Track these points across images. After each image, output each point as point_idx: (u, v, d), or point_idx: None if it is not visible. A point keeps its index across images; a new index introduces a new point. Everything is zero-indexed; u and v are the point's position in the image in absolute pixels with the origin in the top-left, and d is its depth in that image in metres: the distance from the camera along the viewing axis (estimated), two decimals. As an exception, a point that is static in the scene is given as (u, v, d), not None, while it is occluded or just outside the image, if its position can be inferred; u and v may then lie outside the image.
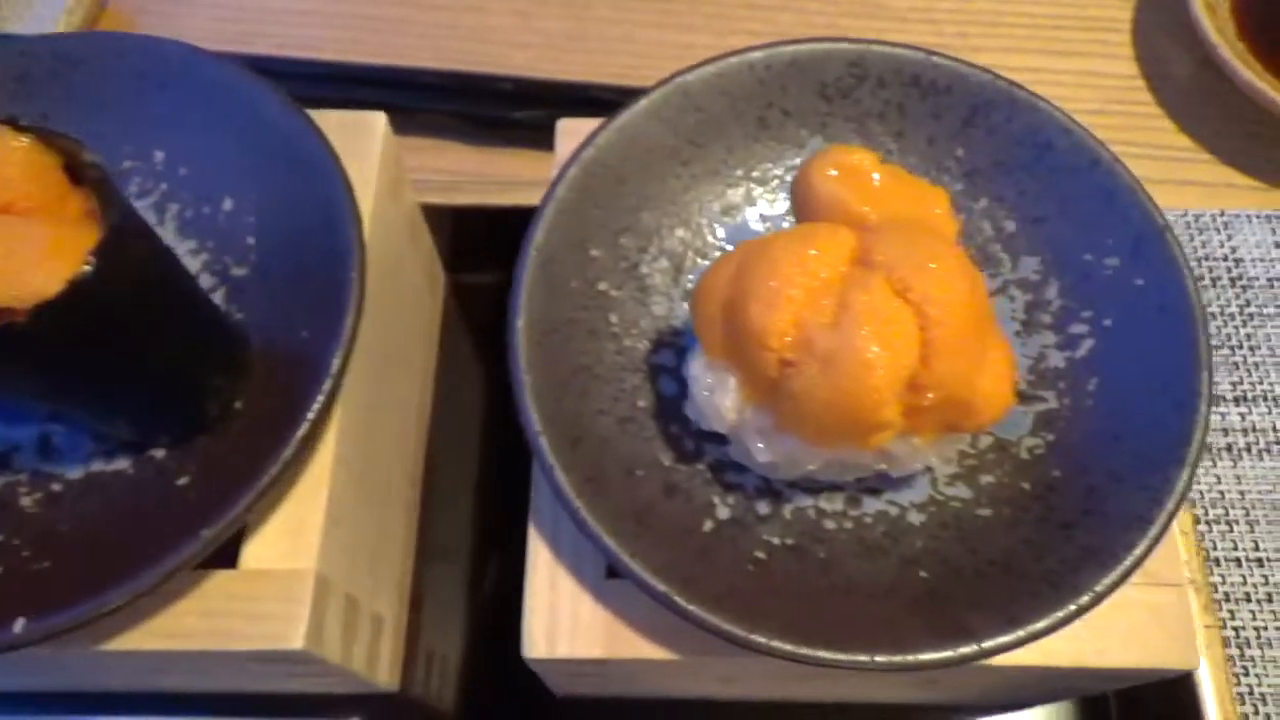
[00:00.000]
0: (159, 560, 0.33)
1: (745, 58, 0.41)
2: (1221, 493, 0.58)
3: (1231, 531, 0.57)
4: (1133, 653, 0.35)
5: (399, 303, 0.48)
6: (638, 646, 0.35)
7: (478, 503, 0.56)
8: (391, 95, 0.63)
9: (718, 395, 0.34)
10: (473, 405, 0.58)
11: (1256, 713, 0.52)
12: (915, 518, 0.37)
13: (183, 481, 0.36)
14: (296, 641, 0.35)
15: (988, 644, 0.32)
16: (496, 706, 0.51)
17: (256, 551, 0.36)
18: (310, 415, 0.35)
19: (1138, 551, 0.33)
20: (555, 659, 0.35)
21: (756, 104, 0.41)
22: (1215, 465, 0.58)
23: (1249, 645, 0.54)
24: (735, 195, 0.42)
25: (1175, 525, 0.37)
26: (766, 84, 0.41)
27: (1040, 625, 0.32)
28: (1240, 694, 0.53)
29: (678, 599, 0.33)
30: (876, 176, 0.35)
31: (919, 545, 0.36)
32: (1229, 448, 0.59)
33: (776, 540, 0.36)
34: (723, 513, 0.36)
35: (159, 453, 0.37)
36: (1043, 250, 0.40)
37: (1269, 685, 0.53)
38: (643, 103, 0.40)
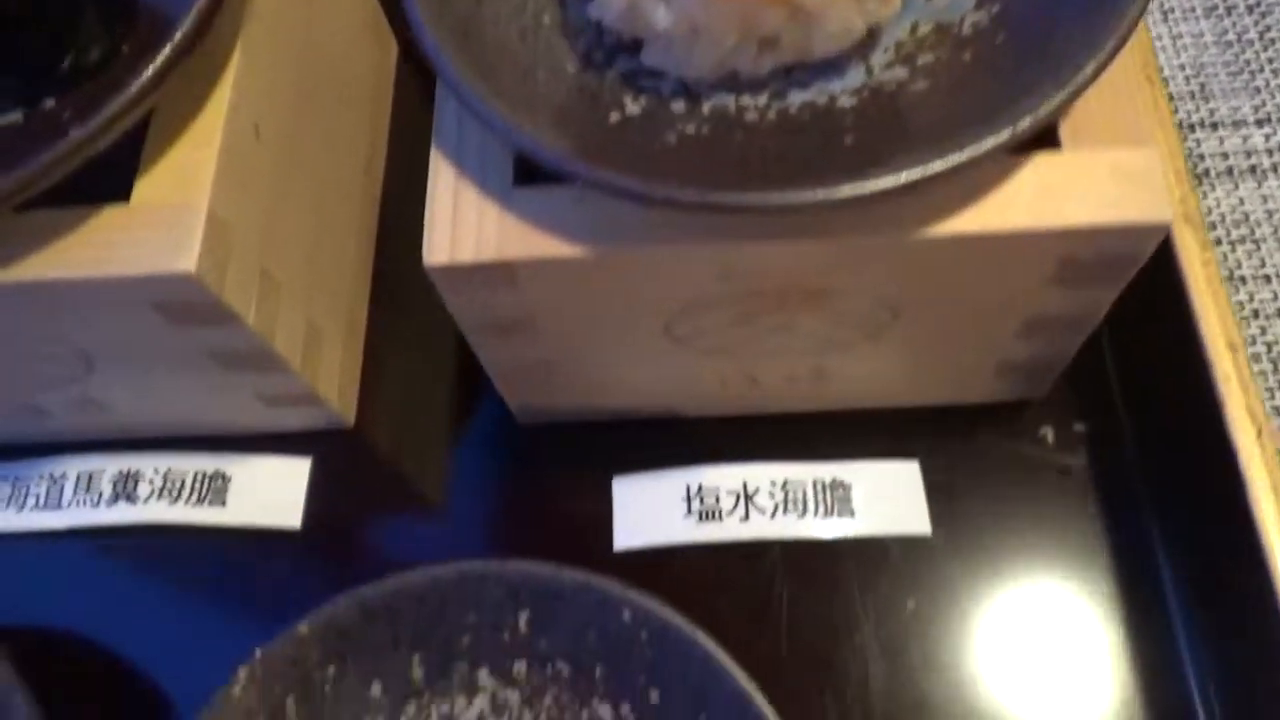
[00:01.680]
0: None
1: None
2: (1246, 214, 0.54)
3: (1259, 250, 0.53)
4: (1092, 208, 0.31)
5: (322, 23, 0.46)
6: (543, 246, 0.32)
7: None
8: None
9: (605, -46, 0.31)
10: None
11: (1297, 427, 0.48)
12: (846, 102, 0.33)
13: (66, 116, 0.34)
14: (187, 265, 0.33)
15: (909, 175, 0.28)
16: (462, 446, 0.48)
17: (148, 189, 0.35)
18: (179, 34, 0.33)
19: (1088, 70, 0.29)
20: (457, 264, 0.32)
21: None
22: (1238, 188, 0.55)
23: (1282, 361, 0.50)
24: None
25: (1145, 82, 0.33)
26: None
27: (966, 154, 0.28)
28: (1275, 407, 0.48)
29: (578, 160, 0.30)
30: None
31: (848, 121, 0.32)
32: (1253, 169, 0.55)
33: (690, 130, 0.33)
34: (633, 110, 0.33)
35: (49, 101, 0.35)
36: None
37: (1304, 400, 0.49)
38: None
